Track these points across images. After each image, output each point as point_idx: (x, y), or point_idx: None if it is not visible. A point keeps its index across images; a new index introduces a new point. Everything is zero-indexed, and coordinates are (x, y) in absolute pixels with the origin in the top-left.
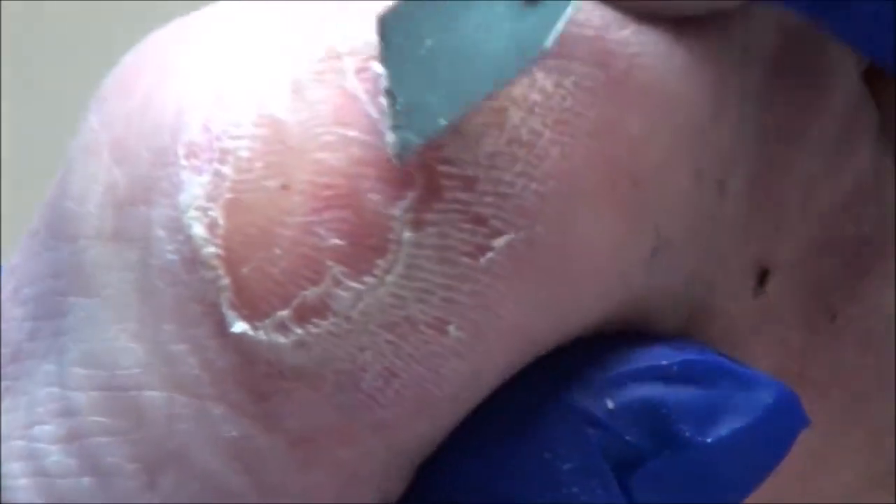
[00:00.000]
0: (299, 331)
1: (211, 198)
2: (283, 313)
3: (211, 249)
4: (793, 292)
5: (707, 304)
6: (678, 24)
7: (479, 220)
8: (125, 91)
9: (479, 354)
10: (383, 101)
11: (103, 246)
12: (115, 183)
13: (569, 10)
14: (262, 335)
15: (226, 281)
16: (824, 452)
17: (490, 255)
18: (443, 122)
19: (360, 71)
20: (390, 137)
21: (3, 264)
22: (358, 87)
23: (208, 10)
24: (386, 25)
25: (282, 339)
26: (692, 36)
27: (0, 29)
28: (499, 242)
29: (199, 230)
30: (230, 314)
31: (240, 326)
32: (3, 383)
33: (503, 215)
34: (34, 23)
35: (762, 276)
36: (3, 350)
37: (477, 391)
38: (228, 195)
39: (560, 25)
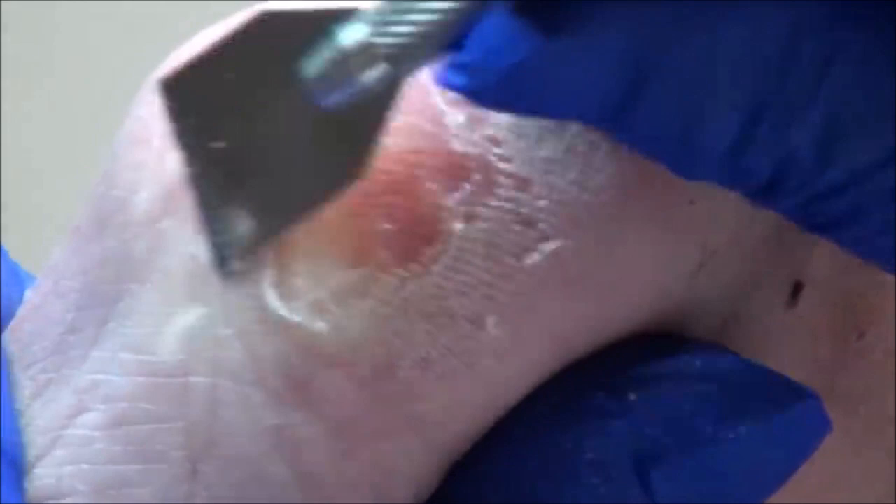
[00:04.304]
0: (337, 312)
1: None
2: (322, 294)
3: None
4: (824, 307)
5: (741, 313)
6: None
7: (530, 223)
8: None
9: (516, 356)
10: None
11: (154, 230)
12: (166, 169)
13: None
14: (298, 316)
15: (270, 258)
16: (846, 470)
17: (535, 257)
18: (262, 244)
19: None
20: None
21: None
22: (426, 76)
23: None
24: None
25: (319, 321)
26: None
27: (0, 30)
28: (545, 247)
29: None
30: (270, 293)
31: (278, 305)
32: (43, 376)
33: (553, 220)
34: (34, 23)
35: (796, 290)
36: (42, 344)
37: (513, 392)
38: None
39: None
